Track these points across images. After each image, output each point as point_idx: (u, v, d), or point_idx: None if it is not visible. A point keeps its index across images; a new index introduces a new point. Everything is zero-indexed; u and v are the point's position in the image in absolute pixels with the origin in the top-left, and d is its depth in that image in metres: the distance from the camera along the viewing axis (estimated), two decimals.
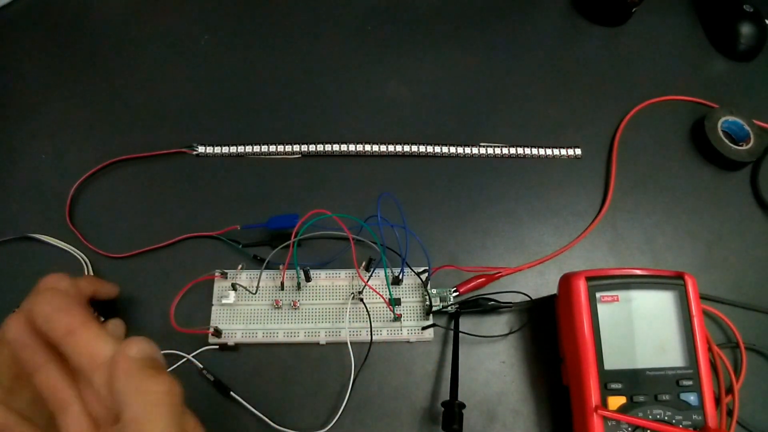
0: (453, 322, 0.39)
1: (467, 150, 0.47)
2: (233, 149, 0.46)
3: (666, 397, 0.34)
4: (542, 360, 0.39)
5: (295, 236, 0.37)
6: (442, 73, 0.51)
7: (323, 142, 0.46)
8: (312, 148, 0.46)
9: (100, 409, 0.25)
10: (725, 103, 0.50)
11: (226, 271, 0.40)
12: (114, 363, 0.24)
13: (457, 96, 0.50)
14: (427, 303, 0.39)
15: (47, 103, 0.47)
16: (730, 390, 0.38)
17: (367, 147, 0.46)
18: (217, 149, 0.46)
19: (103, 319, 0.37)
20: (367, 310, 0.39)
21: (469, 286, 0.40)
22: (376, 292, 0.39)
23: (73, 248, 0.41)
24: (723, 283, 0.43)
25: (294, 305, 0.39)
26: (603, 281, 0.36)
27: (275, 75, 0.50)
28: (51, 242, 0.41)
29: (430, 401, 0.38)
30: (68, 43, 0.51)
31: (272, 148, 0.46)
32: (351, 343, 0.38)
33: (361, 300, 0.39)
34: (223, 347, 0.38)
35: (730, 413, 0.37)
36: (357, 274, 0.40)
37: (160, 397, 0.23)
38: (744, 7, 0.54)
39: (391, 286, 0.40)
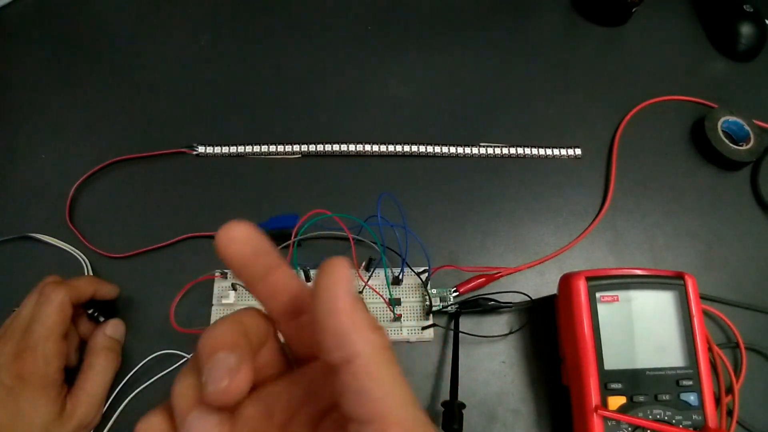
0: (453, 322, 0.39)
1: (467, 150, 0.47)
2: (233, 149, 0.46)
3: (666, 397, 0.34)
4: (542, 360, 0.39)
5: (295, 236, 0.37)
6: (442, 73, 0.51)
7: (323, 142, 0.46)
8: (312, 148, 0.46)
9: None
10: (725, 103, 0.50)
11: (226, 271, 0.40)
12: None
13: (457, 96, 0.50)
14: (427, 303, 0.39)
15: (47, 103, 0.47)
16: (730, 390, 0.38)
17: (367, 147, 0.46)
18: (217, 149, 0.46)
19: (102, 319, 0.37)
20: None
21: (469, 286, 0.40)
22: (376, 292, 0.39)
23: (73, 248, 0.41)
24: (723, 283, 0.43)
25: None
26: (603, 281, 0.36)
27: (275, 75, 0.50)
28: (51, 242, 0.41)
29: (430, 401, 0.38)
30: (68, 44, 0.51)
31: (272, 148, 0.46)
32: None
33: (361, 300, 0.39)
34: None
35: (730, 413, 0.37)
36: (357, 274, 0.40)
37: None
38: (744, 7, 0.54)
39: (391, 286, 0.40)
